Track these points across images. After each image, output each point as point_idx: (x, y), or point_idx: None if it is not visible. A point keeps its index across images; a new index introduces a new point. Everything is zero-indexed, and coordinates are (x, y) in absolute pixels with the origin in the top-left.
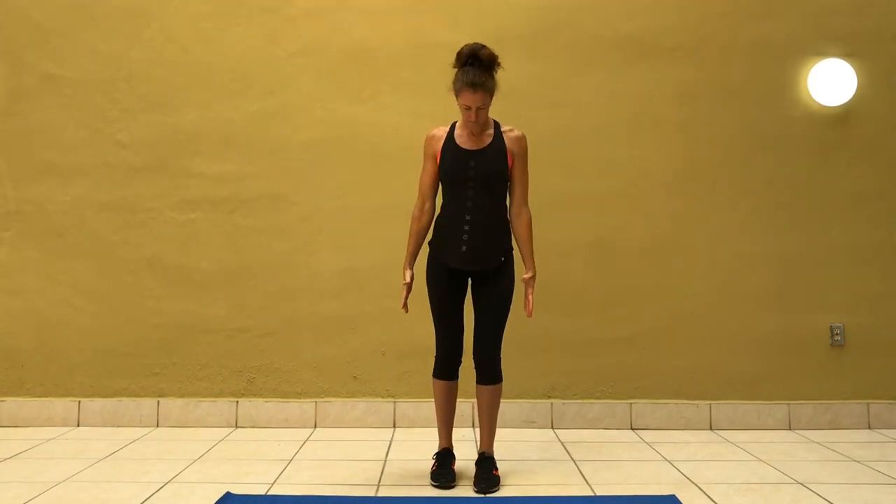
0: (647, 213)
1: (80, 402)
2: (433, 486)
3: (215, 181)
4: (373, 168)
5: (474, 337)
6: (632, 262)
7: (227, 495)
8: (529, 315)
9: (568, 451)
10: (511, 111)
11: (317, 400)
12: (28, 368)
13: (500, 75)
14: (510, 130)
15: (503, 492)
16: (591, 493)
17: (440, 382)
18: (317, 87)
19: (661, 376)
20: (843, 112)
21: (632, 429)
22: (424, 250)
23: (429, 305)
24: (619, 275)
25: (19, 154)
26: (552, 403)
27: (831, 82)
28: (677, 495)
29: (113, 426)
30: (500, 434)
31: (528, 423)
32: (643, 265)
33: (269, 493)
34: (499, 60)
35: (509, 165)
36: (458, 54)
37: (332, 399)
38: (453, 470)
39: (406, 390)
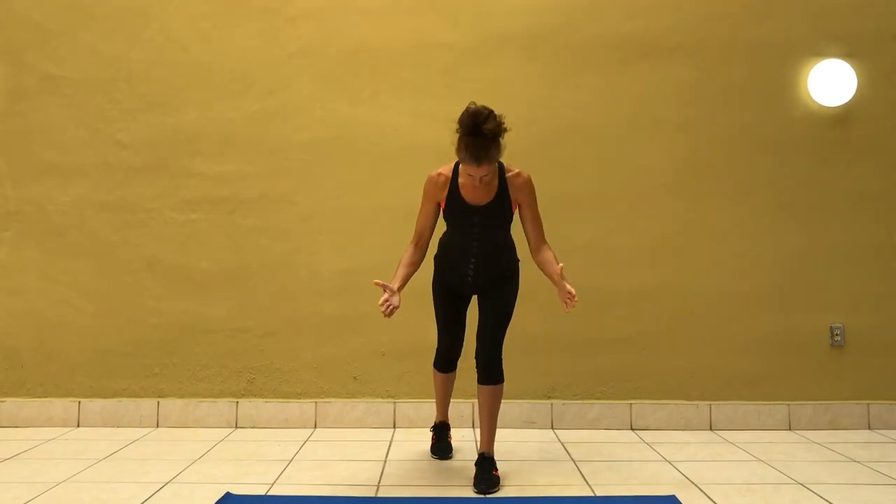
0: (647, 213)
1: (80, 402)
2: (433, 458)
3: (215, 181)
4: (373, 168)
5: (477, 338)
6: (632, 263)
7: (227, 496)
8: (572, 300)
9: (568, 452)
10: (511, 111)
11: (317, 400)
12: (28, 369)
13: (501, 75)
14: (515, 176)
15: (503, 492)
16: (591, 494)
17: (439, 373)
18: (317, 87)
19: (661, 376)
20: (843, 112)
21: (632, 429)
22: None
23: (430, 306)
24: (618, 275)
25: (19, 154)
26: (552, 404)
27: (831, 83)
28: (677, 496)
29: (113, 426)
30: (500, 434)
31: (529, 424)
32: (643, 265)
33: (268, 494)
34: (504, 126)
35: (513, 212)
36: (461, 121)
37: (332, 399)
38: (450, 441)
39: (406, 391)
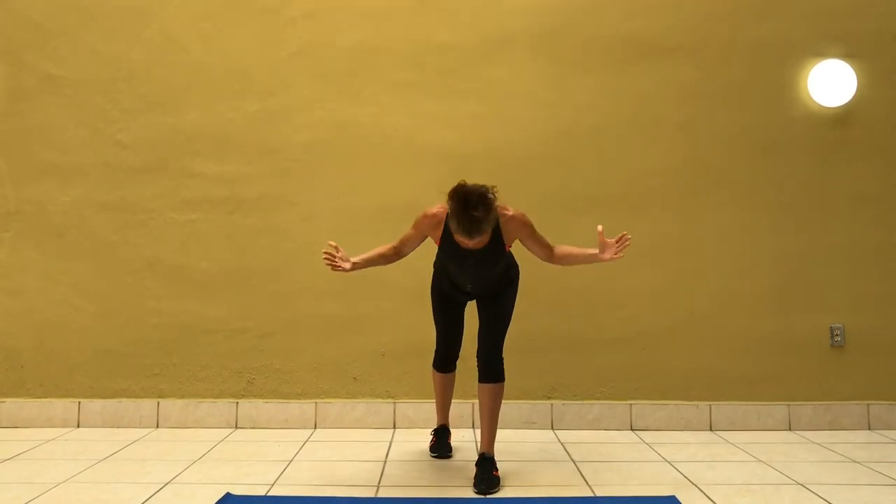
0: (647, 213)
1: (80, 402)
2: (432, 457)
3: (215, 181)
4: (373, 168)
5: (478, 337)
6: (631, 263)
7: (227, 496)
8: (623, 241)
9: (568, 452)
10: (511, 112)
11: (317, 401)
12: (28, 369)
13: (501, 76)
14: (508, 220)
15: (503, 493)
16: (591, 494)
17: (438, 374)
18: (317, 87)
19: (662, 377)
20: (843, 113)
21: (632, 429)
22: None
23: (429, 307)
24: (618, 275)
25: (19, 154)
26: (552, 404)
27: (831, 83)
28: (677, 496)
29: (113, 427)
30: (501, 435)
31: (529, 424)
32: (643, 266)
33: (269, 494)
34: (495, 201)
35: (509, 248)
36: (451, 198)
37: (332, 400)
38: (450, 444)
39: (406, 391)
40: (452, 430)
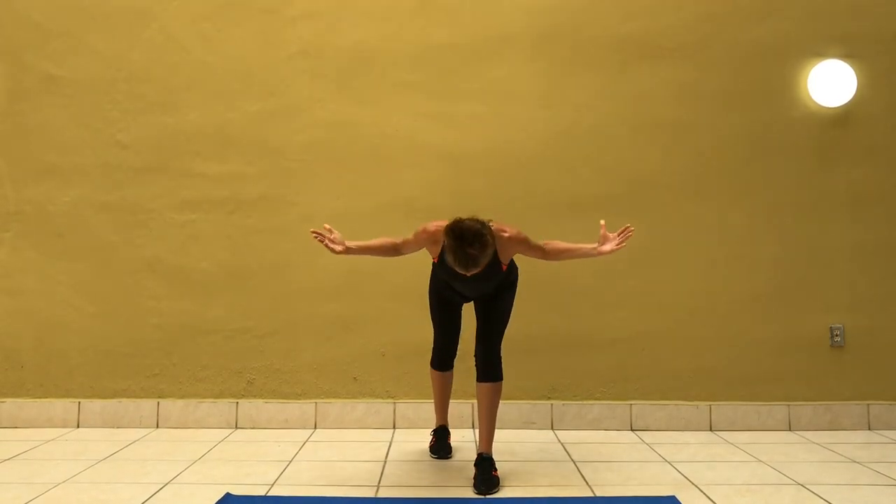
0: (647, 213)
1: (79, 402)
2: (432, 457)
3: (215, 182)
4: (373, 169)
5: (476, 336)
6: (632, 263)
7: (227, 496)
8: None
9: (568, 452)
10: (511, 112)
11: (317, 401)
12: (28, 369)
13: (501, 76)
14: (506, 242)
15: (503, 493)
16: (591, 495)
17: (436, 372)
18: (317, 87)
19: (661, 377)
20: (842, 113)
21: (632, 430)
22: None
23: (428, 306)
24: (618, 275)
25: (19, 154)
26: (552, 404)
27: (831, 83)
28: (677, 496)
29: (113, 427)
30: (500, 435)
31: (528, 424)
32: (643, 266)
33: (268, 494)
34: (492, 236)
35: (504, 268)
36: (447, 234)
37: (332, 400)
38: (449, 444)
39: (406, 391)
40: (452, 431)
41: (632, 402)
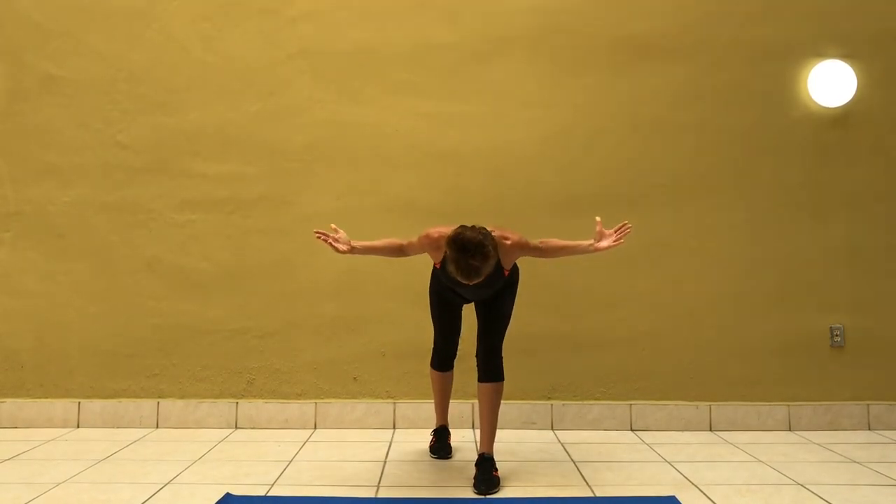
0: (647, 213)
1: (79, 403)
2: (432, 457)
3: (215, 182)
4: (373, 169)
5: (477, 336)
6: (631, 263)
7: (227, 496)
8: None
9: (568, 452)
10: (511, 112)
11: (317, 401)
12: (28, 369)
13: (501, 76)
14: (508, 249)
15: (503, 493)
16: (590, 495)
17: (436, 372)
18: (317, 87)
19: (661, 377)
20: (842, 113)
21: (632, 430)
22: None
23: (428, 306)
24: (618, 275)
25: (19, 154)
26: (552, 404)
27: (831, 83)
28: (677, 496)
29: (113, 427)
30: (500, 435)
31: (528, 424)
32: (643, 266)
33: (268, 495)
34: (493, 247)
35: (506, 274)
36: (449, 245)
37: (332, 400)
38: (449, 444)
39: (406, 391)
40: (452, 431)
41: (632, 402)
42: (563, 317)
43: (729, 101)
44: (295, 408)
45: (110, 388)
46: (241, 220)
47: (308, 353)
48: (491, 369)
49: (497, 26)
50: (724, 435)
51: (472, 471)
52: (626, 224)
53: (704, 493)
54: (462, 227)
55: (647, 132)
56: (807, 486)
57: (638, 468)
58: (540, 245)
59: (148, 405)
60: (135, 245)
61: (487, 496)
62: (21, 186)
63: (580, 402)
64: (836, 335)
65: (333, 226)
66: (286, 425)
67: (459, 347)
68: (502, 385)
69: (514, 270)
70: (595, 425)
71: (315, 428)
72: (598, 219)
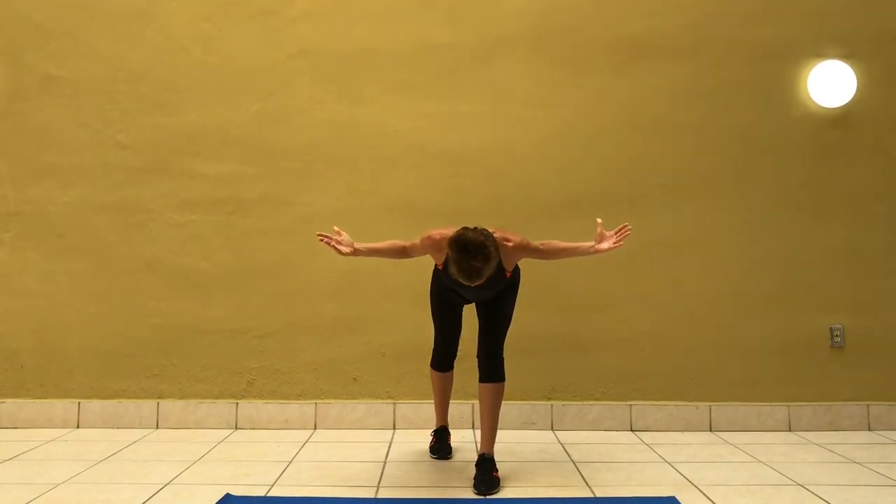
0: (647, 213)
1: (79, 403)
2: (432, 458)
3: (215, 182)
4: (373, 169)
5: (478, 337)
6: (631, 263)
7: (227, 497)
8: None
9: (568, 453)
10: (511, 112)
11: (317, 401)
12: (28, 369)
13: (501, 76)
14: (510, 251)
15: (503, 493)
16: (590, 495)
17: (436, 373)
18: (317, 88)
19: (661, 378)
20: (842, 113)
21: (632, 430)
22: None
23: (428, 307)
24: (618, 276)
25: (19, 154)
26: (552, 405)
27: (831, 84)
28: (677, 497)
29: (113, 427)
30: (500, 435)
31: (528, 425)
32: (643, 266)
33: (268, 495)
34: (495, 248)
35: (508, 275)
36: (451, 246)
37: (332, 401)
38: (449, 444)
39: (406, 392)
40: (452, 431)
41: (632, 402)
42: (563, 317)
43: (729, 101)
44: (295, 408)
45: (110, 389)
46: (241, 220)
47: (308, 353)
48: (492, 370)
49: (497, 26)
50: (724, 435)
51: (472, 471)
52: (626, 226)
53: (704, 494)
54: (464, 228)
55: (647, 132)
56: (807, 487)
57: (638, 469)
58: (541, 247)
59: (148, 405)
60: (135, 245)
61: (487, 497)
62: (21, 186)
63: (580, 403)
64: (836, 335)
65: (336, 228)
66: (286, 426)
67: (460, 347)
68: (503, 386)
69: (516, 272)
70: (595, 426)
71: (315, 428)
72: (599, 220)
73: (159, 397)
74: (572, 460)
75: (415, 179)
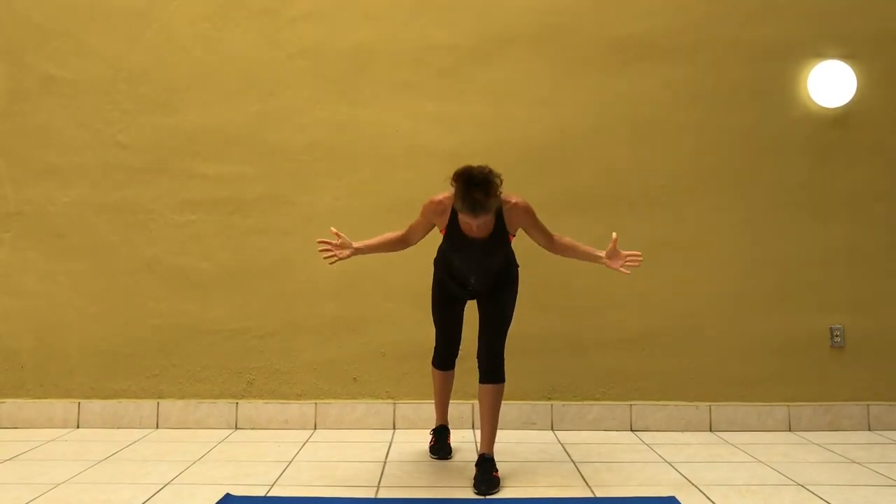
0: (647, 213)
1: (79, 403)
2: (432, 457)
3: (215, 182)
4: (373, 169)
5: (479, 337)
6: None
7: (227, 497)
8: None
9: (568, 453)
10: (511, 112)
11: (317, 401)
12: (28, 369)
13: (501, 76)
14: (512, 207)
15: (503, 493)
16: (590, 495)
17: (437, 371)
18: (317, 88)
19: (661, 378)
20: (842, 113)
21: (632, 430)
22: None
23: (429, 307)
24: (618, 276)
25: (19, 155)
26: (552, 405)
27: (831, 84)
28: (677, 497)
29: (113, 427)
30: (500, 435)
31: (529, 425)
32: (643, 267)
33: (268, 495)
34: (499, 183)
35: (512, 237)
36: (456, 179)
37: (332, 401)
38: (449, 444)
39: (406, 392)
40: (453, 431)
41: (632, 402)
42: (563, 317)
43: (729, 101)
44: (295, 408)
45: (110, 389)
46: (241, 220)
47: (308, 353)
48: (492, 371)
49: (497, 26)
50: (724, 435)
51: (472, 471)
52: (637, 255)
53: (704, 494)
54: (468, 165)
55: (647, 132)
56: (806, 487)
57: (638, 468)
58: (552, 235)
59: (148, 405)
60: (135, 245)
61: (487, 497)
62: (21, 186)
63: (580, 403)
64: (836, 335)
65: (334, 230)
66: (286, 426)
67: (460, 347)
68: (503, 386)
69: (514, 264)
70: (595, 426)
71: (315, 428)
72: (614, 235)
73: (159, 397)
74: (572, 460)
75: (415, 179)
